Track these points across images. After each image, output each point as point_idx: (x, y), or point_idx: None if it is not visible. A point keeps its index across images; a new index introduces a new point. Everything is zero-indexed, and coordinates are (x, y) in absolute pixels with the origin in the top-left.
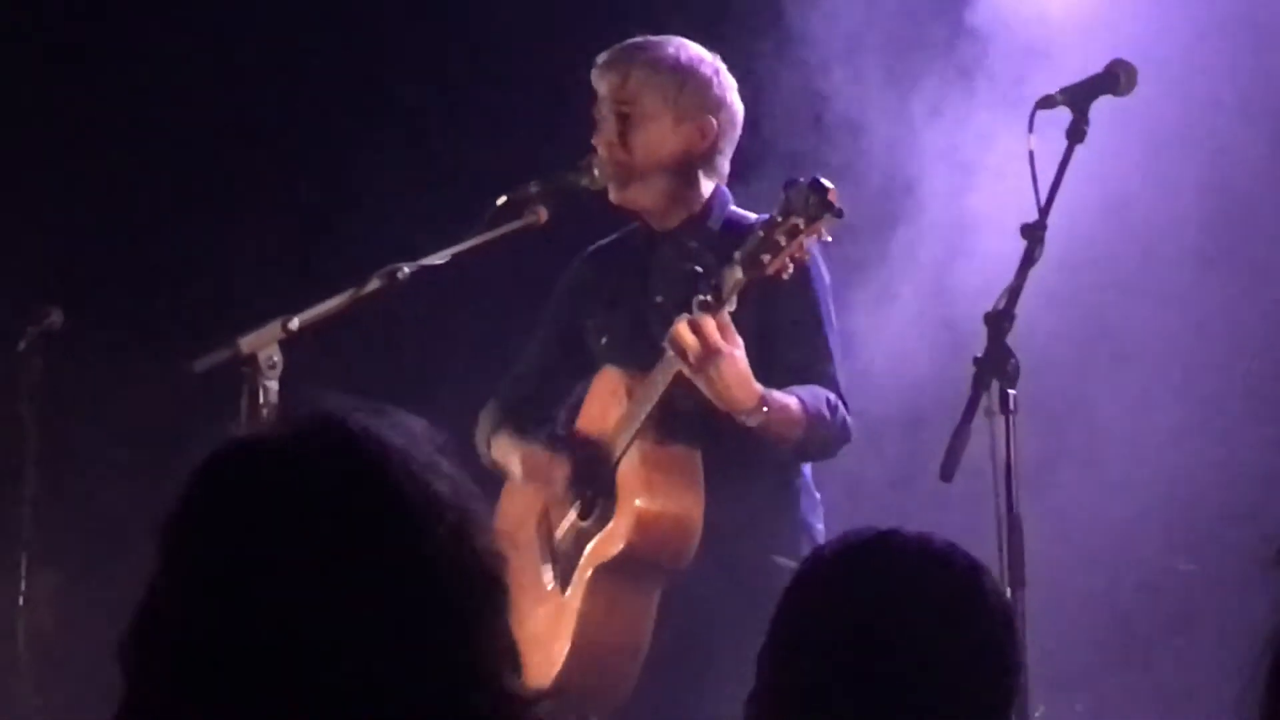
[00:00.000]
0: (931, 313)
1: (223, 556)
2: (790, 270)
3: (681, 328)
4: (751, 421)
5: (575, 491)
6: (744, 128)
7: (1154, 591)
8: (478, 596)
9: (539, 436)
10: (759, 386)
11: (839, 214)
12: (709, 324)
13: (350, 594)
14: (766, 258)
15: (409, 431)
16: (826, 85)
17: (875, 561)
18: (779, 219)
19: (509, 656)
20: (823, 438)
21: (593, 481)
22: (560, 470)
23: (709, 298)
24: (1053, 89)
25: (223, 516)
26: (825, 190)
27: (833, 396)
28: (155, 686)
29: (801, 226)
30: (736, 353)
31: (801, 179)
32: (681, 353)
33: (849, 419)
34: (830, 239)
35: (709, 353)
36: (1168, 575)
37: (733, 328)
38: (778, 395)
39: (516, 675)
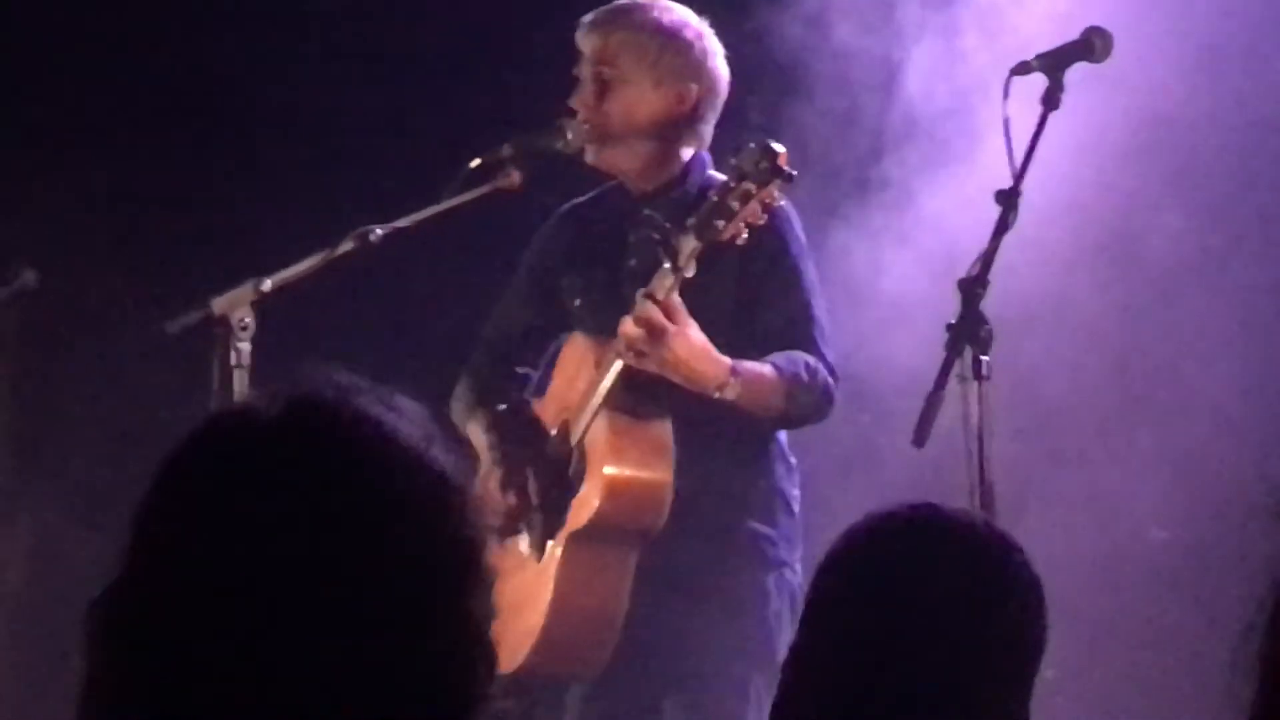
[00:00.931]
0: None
1: (205, 534)
2: (745, 235)
3: (630, 327)
4: (728, 395)
5: (531, 477)
6: (734, 91)
7: (1126, 559)
8: (458, 582)
9: (500, 415)
10: (727, 359)
11: (789, 178)
12: (650, 309)
13: (330, 575)
14: (720, 223)
15: (398, 410)
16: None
17: (907, 537)
18: (731, 184)
19: (483, 646)
20: (805, 403)
21: (549, 459)
22: (507, 497)
23: (666, 264)
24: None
25: (207, 495)
26: (775, 154)
27: (811, 360)
28: (124, 663)
29: (753, 191)
30: (688, 330)
31: (752, 143)
32: (632, 345)
33: (831, 381)
34: (783, 202)
35: (655, 335)
36: (1140, 543)
37: (682, 309)
38: (749, 364)
39: (490, 668)
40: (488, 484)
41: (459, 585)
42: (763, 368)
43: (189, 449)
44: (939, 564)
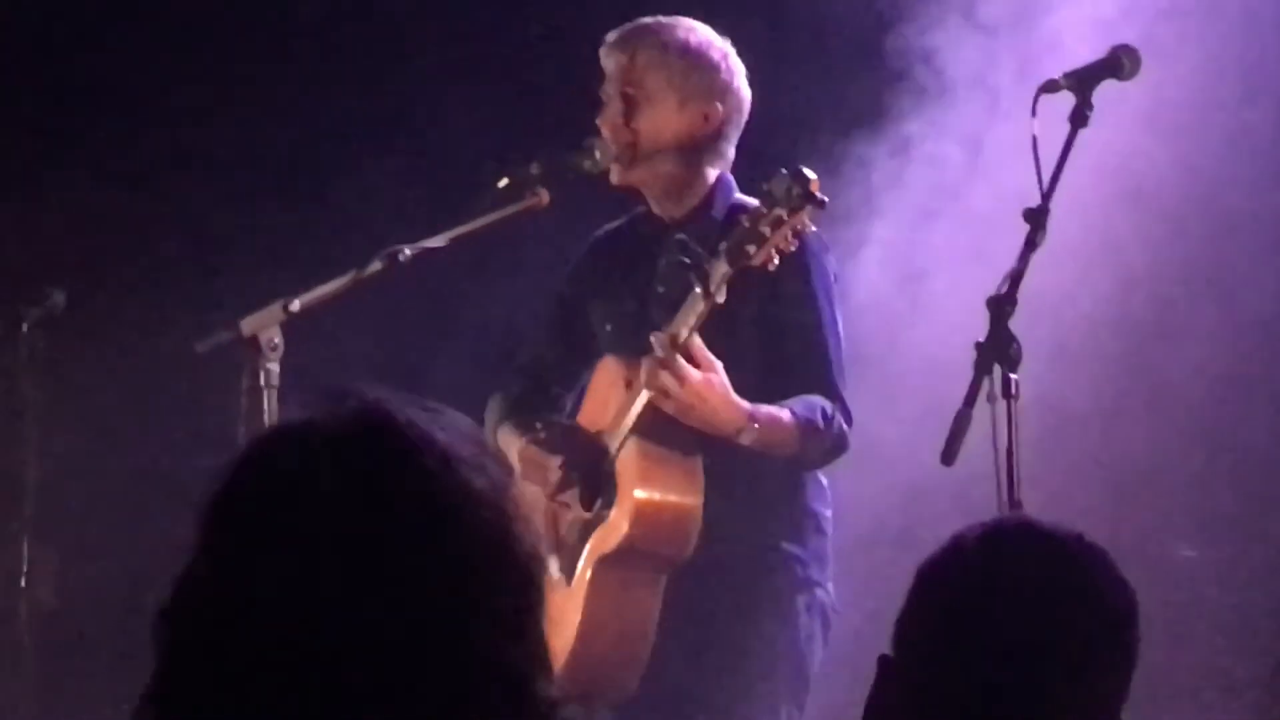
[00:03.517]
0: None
1: (264, 542)
2: (776, 261)
3: (651, 370)
4: (745, 440)
5: (573, 485)
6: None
7: (1154, 578)
8: (513, 598)
9: (538, 429)
10: (746, 404)
11: (821, 204)
12: (671, 357)
13: (386, 590)
14: (751, 249)
15: (455, 429)
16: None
17: (997, 550)
18: (763, 210)
19: (540, 660)
20: (818, 449)
21: (592, 473)
22: (553, 466)
23: (698, 290)
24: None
25: (266, 504)
26: (807, 180)
27: (829, 406)
28: (188, 665)
29: (785, 217)
30: (713, 377)
31: (784, 169)
32: (652, 387)
33: (845, 426)
34: (814, 228)
35: (687, 390)
36: (1167, 562)
37: (704, 351)
38: (767, 410)
39: (547, 680)
40: (528, 491)
41: (520, 595)
42: (781, 413)
43: (252, 461)
44: (1029, 577)
